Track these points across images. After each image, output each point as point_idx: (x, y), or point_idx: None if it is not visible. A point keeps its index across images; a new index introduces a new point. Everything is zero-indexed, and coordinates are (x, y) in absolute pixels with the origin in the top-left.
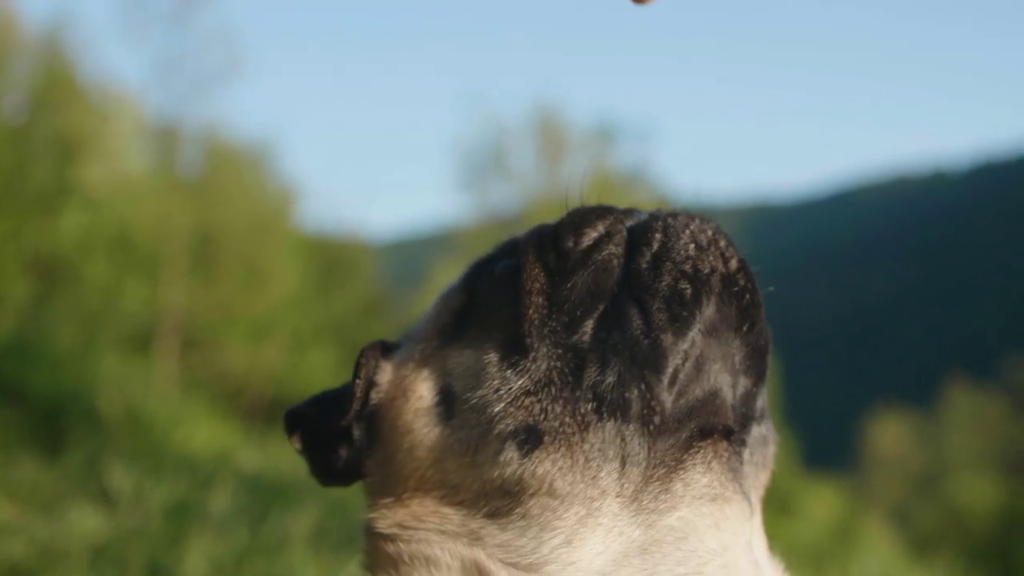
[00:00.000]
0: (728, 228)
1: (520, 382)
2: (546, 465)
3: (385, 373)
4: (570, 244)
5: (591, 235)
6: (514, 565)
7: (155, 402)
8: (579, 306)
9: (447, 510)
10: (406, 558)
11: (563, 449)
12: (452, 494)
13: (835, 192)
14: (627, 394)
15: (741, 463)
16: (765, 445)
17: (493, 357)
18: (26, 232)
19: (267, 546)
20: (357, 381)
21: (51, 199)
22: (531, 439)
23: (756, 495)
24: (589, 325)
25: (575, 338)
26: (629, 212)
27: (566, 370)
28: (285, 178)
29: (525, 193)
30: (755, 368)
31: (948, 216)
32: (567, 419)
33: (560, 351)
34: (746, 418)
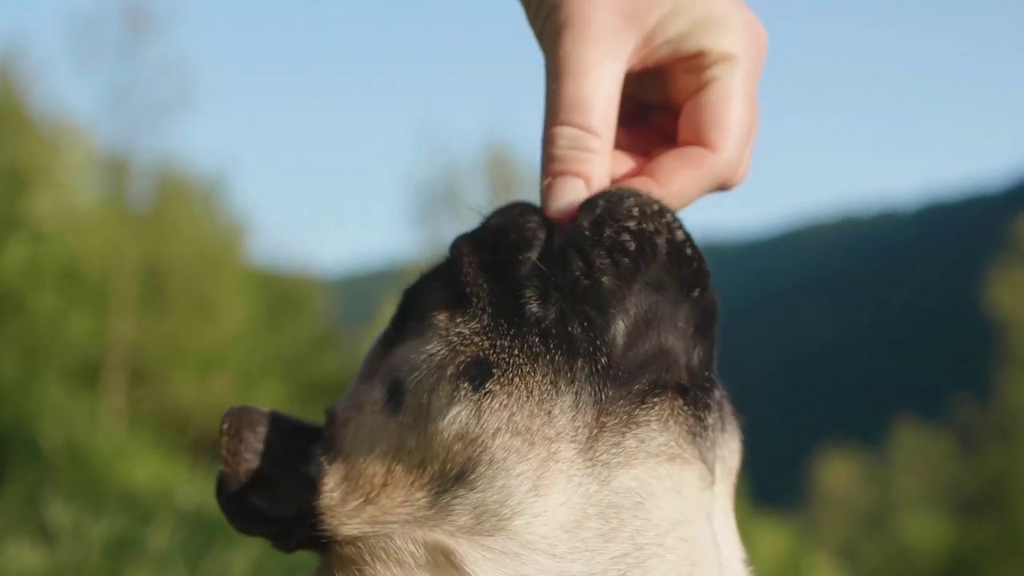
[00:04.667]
0: None
1: (472, 325)
2: (501, 397)
3: (339, 408)
4: (494, 221)
5: (519, 208)
6: (480, 531)
7: (98, 436)
8: (511, 255)
9: (417, 494)
10: (367, 557)
11: (516, 379)
12: (419, 474)
13: (783, 232)
14: (570, 328)
15: (704, 428)
16: (723, 409)
17: (441, 319)
18: None
19: None
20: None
21: None
22: (481, 372)
23: (722, 467)
24: (525, 268)
25: (512, 279)
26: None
27: (508, 308)
28: (235, 212)
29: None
30: (709, 331)
31: (896, 256)
32: (515, 351)
33: (499, 295)
34: (708, 380)
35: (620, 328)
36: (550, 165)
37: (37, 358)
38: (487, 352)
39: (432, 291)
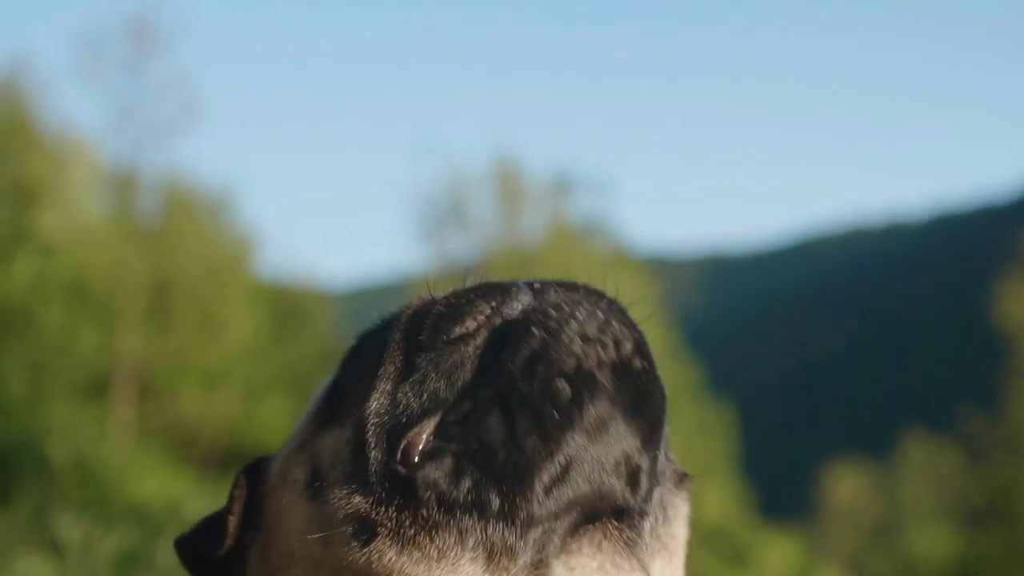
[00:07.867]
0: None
1: (361, 469)
2: (390, 555)
3: (272, 468)
4: (442, 337)
5: (457, 331)
6: None
7: (106, 451)
8: (419, 404)
9: None
10: None
11: (406, 541)
12: (314, 570)
13: (792, 243)
14: (484, 497)
15: (639, 534)
16: (663, 505)
17: (349, 434)
18: None
19: None
20: (235, 494)
21: (6, 245)
22: (366, 530)
23: (661, 560)
24: (430, 425)
25: (406, 440)
26: (508, 295)
27: (394, 488)
28: (242, 226)
29: (483, 243)
30: (655, 439)
31: (904, 268)
32: (406, 523)
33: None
34: (649, 489)
35: (545, 484)
36: None
37: (45, 374)
38: (370, 512)
39: (359, 377)
